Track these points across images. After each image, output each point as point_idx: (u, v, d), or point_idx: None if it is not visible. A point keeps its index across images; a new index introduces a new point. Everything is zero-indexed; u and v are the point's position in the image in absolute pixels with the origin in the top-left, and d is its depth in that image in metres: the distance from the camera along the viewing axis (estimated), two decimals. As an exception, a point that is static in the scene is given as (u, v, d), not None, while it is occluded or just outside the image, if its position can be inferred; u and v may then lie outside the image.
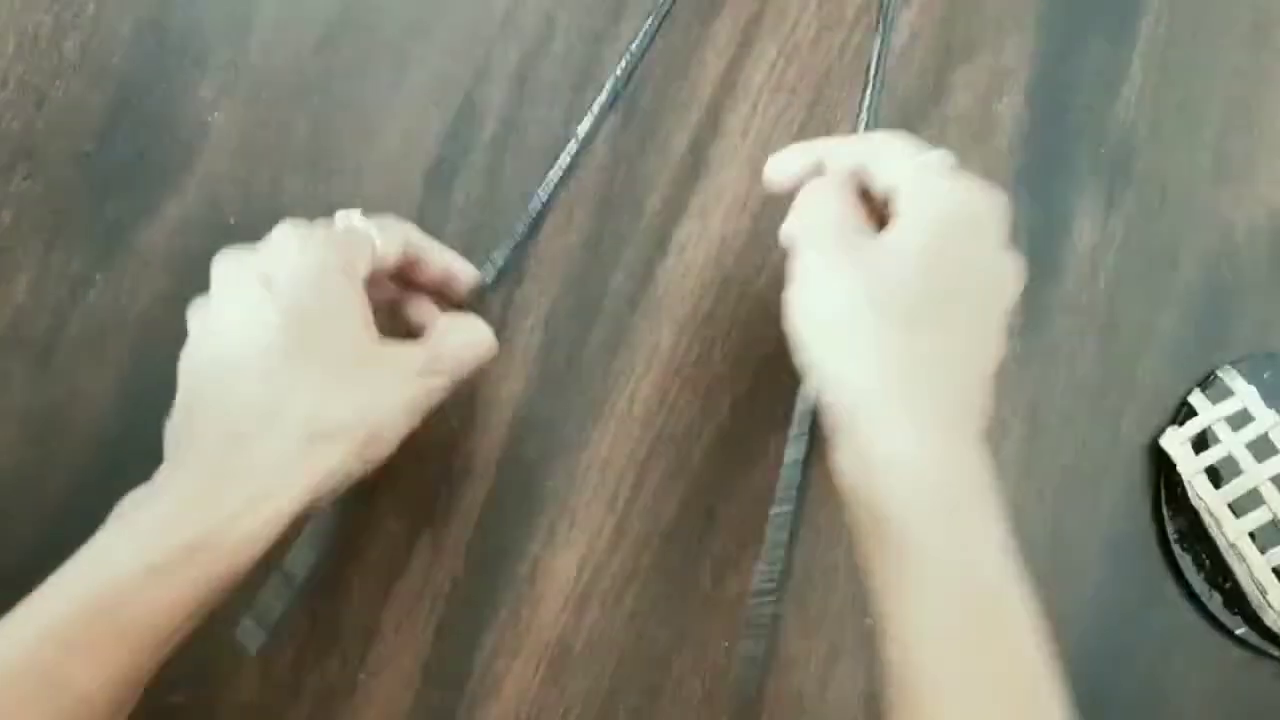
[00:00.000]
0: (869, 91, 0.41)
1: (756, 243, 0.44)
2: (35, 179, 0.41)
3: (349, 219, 0.35)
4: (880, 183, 0.33)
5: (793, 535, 0.37)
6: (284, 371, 0.31)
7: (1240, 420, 0.44)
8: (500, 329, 0.42)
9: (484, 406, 0.42)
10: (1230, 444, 0.43)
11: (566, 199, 0.43)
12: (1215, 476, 0.43)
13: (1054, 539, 0.44)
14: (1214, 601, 0.43)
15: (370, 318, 0.33)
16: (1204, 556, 0.43)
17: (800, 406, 0.37)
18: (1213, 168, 0.47)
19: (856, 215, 0.34)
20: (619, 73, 0.42)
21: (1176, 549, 0.43)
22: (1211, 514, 0.43)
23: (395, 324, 0.37)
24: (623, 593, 0.42)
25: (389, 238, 0.35)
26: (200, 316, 0.33)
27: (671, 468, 0.42)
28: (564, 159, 0.42)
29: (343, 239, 0.34)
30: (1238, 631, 0.43)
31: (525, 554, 0.42)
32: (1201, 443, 0.44)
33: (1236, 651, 0.44)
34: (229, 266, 0.33)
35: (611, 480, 0.42)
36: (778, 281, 0.44)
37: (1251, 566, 0.42)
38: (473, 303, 0.39)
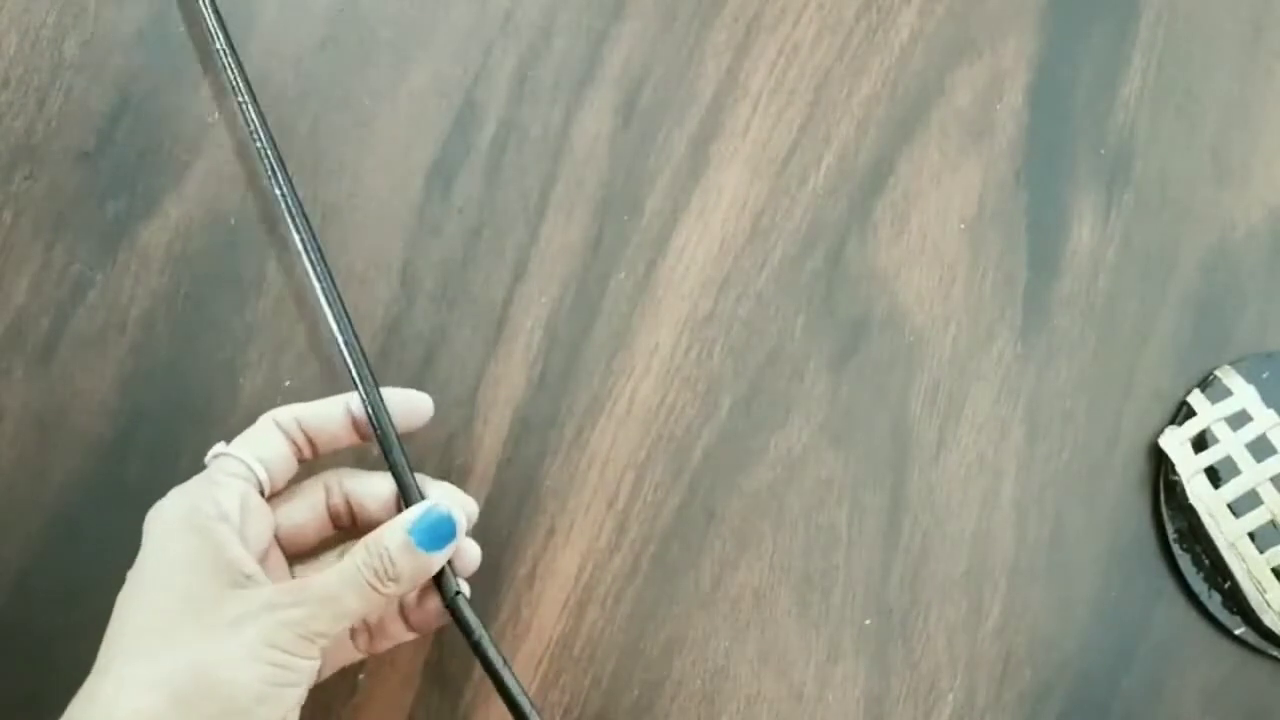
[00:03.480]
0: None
1: (756, 243, 0.44)
2: (36, 179, 0.41)
3: (214, 454, 0.34)
4: None
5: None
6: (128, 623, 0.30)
7: (1239, 420, 0.44)
8: (500, 329, 0.42)
9: (484, 406, 0.42)
10: (1229, 444, 0.43)
11: (567, 199, 0.43)
12: (1214, 476, 0.43)
13: (1054, 539, 0.44)
14: (1213, 601, 0.43)
15: (232, 559, 0.31)
16: (1204, 556, 0.43)
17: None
18: (1212, 168, 0.47)
19: None
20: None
21: (1176, 549, 0.43)
22: (1211, 514, 0.43)
23: None
24: (623, 593, 0.42)
25: (260, 442, 0.33)
26: None
27: (671, 468, 0.43)
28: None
29: (193, 486, 0.32)
30: (1237, 631, 0.43)
31: (525, 554, 0.42)
32: (1201, 443, 0.44)
33: (1236, 651, 0.44)
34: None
35: (611, 480, 0.42)
36: (778, 281, 0.44)
37: (1251, 566, 0.42)
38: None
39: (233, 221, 0.42)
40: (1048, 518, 0.44)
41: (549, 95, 0.44)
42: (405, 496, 0.34)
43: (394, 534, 0.32)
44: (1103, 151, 0.46)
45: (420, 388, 0.38)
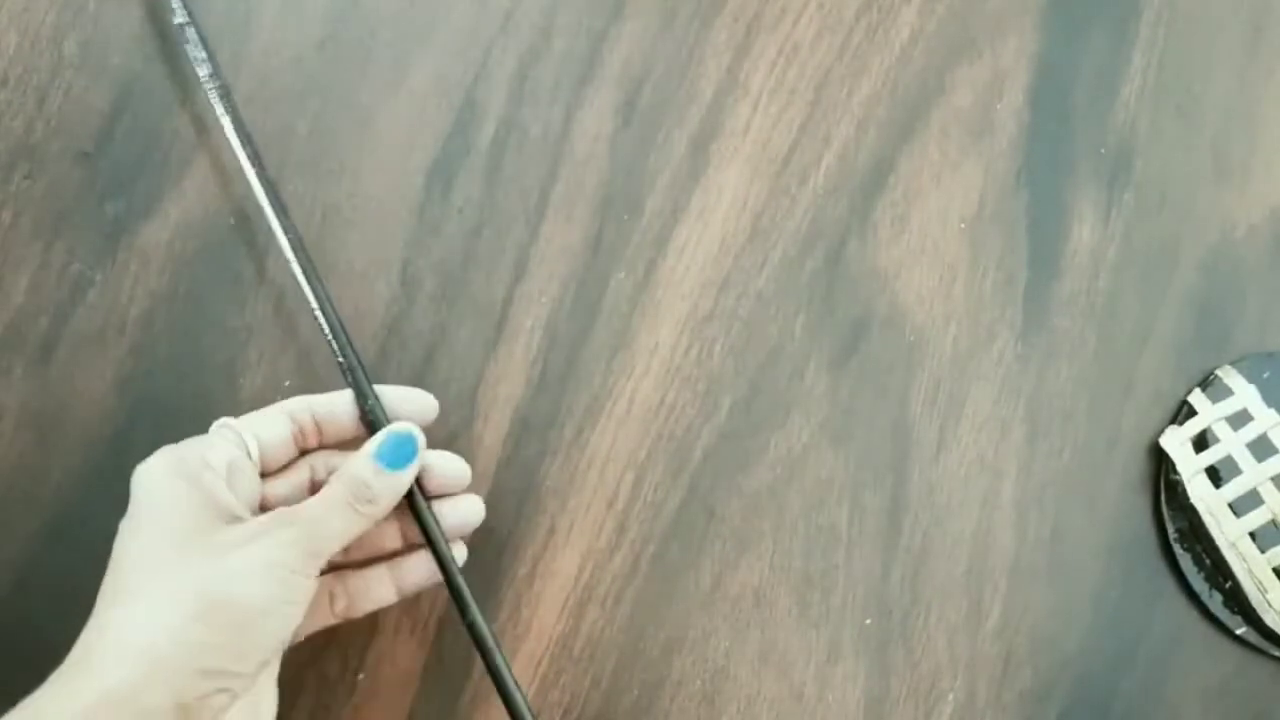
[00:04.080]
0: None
1: (756, 243, 0.44)
2: (35, 178, 0.41)
3: (216, 425, 0.35)
4: None
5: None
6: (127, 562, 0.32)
7: (1240, 420, 0.44)
8: (500, 329, 0.42)
9: (484, 406, 0.42)
10: (1230, 444, 0.43)
11: (567, 199, 0.43)
12: (1215, 476, 0.43)
13: (1054, 539, 0.44)
14: (1214, 601, 0.43)
15: (221, 502, 0.32)
16: (1204, 556, 0.43)
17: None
18: (1213, 168, 0.47)
19: None
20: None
21: (1176, 549, 0.43)
22: (1211, 514, 0.43)
23: None
24: (623, 593, 0.42)
25: (263, 420, 0.35)
26: None
27: (671, 468, 0.42)
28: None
29: (182, 443, 0.34)
30: (1238, 631, 0.43)
31: (525, 554, 0.42)
32: (1201, 442, 0.44)
33: (1236, 651, 0.44)
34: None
35: (611, 480, 0.42)
36: (778, 281, 0.44)
37: (1252, 566, 0.42)
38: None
39: (233, 221, 0.42)
40: (1048, 518, 0.44)
41: (549, 95, 0.44)
42: (371, 423, 0.36)
43: (363, 461, 0.34)
44: (1103, 151, 0.46)
45: (420, 387, 0.38)
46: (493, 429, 0.42)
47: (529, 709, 0.35)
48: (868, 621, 0.42)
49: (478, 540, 0.39)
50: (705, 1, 0.45)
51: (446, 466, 0.37)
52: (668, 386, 0.43)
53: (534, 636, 0.41)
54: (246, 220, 0.42)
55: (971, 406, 0.44)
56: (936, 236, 0.45)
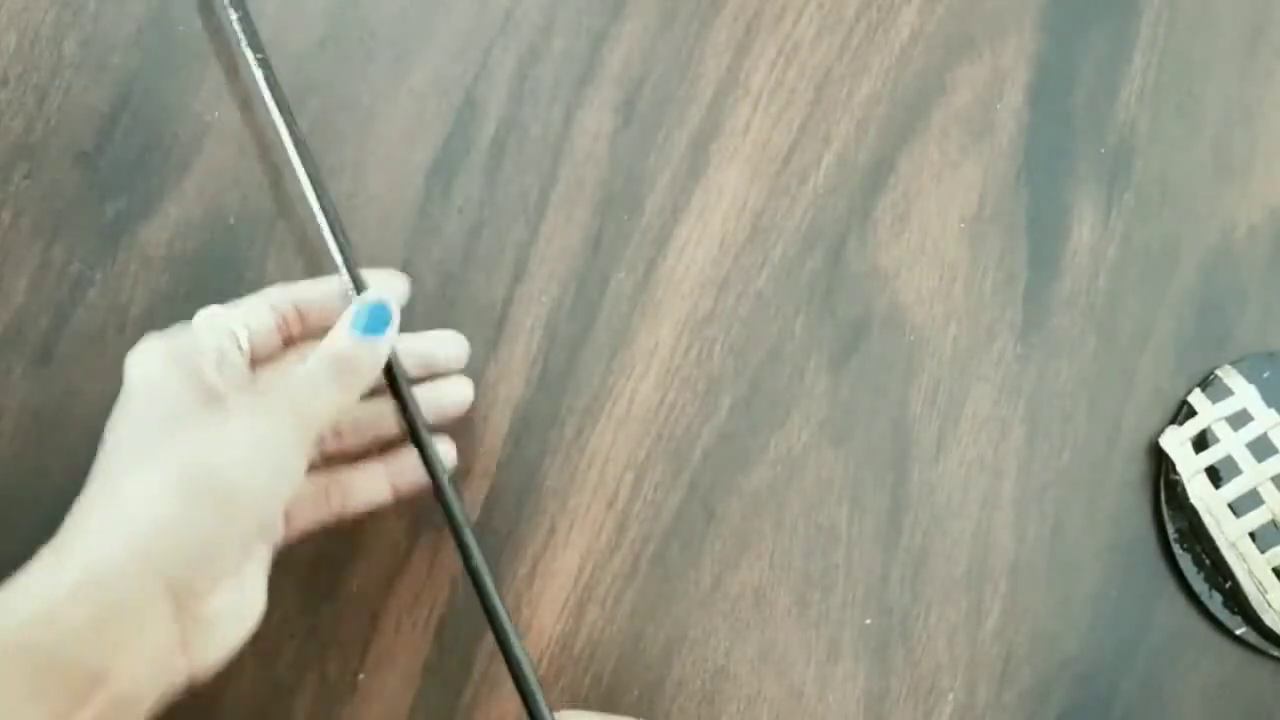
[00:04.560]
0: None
1: (756, 243, 0.44)
2: (35, 178, 0.41)
3: (202, 313, 0.36)
4: None
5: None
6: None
7: (1240, 420, 0.44)
8: (500, 329, 0.42)
9: (484, 406, 0.42)
10: (1230, 444, 0.43)
11: (567, 199, 0.43)
12: (1215, 476, 0.43)
13: (1054, 539, 0.44)
14: (1214, 601, 0.43)
15: (211, 383, 0.33)
16: (1204, 556, 0.43)
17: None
18: (1213, 167, 0.47)
19: None
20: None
21: (1176, 549, 0.43)
22: (1211, 514, 0.43)
23: None
24: (623, 593, 0.42)
25: (248, 310, 0.36)
26: None
27: (671, 467, 0.42)
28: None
29: (172, 330, 0.35)
30: (1238, 631, 0.43)
31: (525, 554, 0.42)
32: (1201, 442, 0.44)
33: (1236, 651, 0.44)
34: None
35: (611, 480, 0.42)
36: (778, 281, 0.44)
37: (1252, 566, 0.42)
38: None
39: (232, 221, 0.42)
40: (1048, 518, 0.44)
41: (549, 95, 0.44)
42: (349, 290, 0.37)
43: (340, 331, 0.35)
44: (1103, 151, 0.46)
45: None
46: (493, 429, 0.42)
47: (511, 624, 0.36)
48: (868, 621, 0.42)
49: (478, 540, 0.39)
50: (705, 1, 0.45)
51: (444, 345, 0.38)
52: (668, 386, 0.43)
53: (534, 636, 0.41)
54: (246, 220, 0.42)
55: (971, 406, 0.44)
56: (936, 236, 0.45)
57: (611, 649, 0.41)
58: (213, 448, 0.31)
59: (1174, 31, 0.47)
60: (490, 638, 0.41)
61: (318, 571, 0.40)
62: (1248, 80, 0.47)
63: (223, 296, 0.41)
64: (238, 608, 0.32)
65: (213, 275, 0.41)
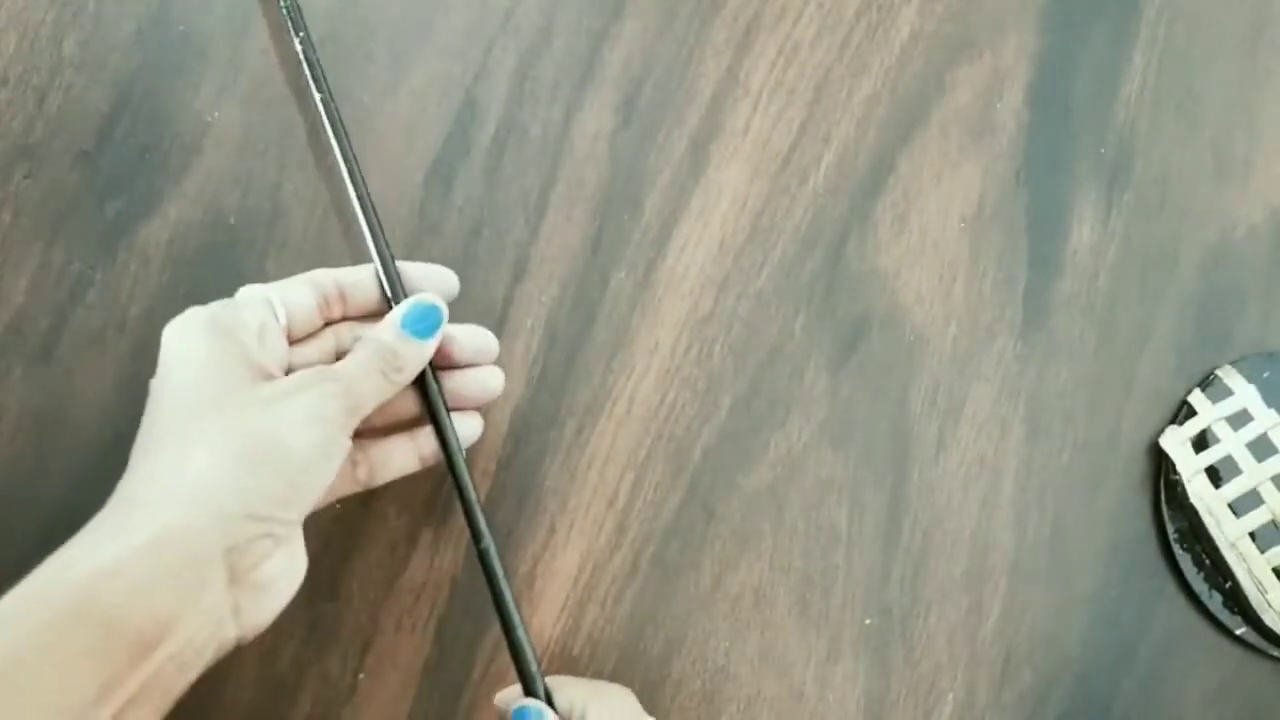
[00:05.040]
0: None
1: (756, 243, 0.44)
2: (35, 178, 0.41)
3: (246, 290, 0.36)
4: None
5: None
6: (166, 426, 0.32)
7: (1240, 420, 0.44)
8: (500, 329, 0.42)
9: (484, 406, 0.42)
10: (1230, 444, 0.43)
11: (567, 199, 0.43)
12: (1215, 476, 0.43)
13: (1054, 539, 0.44)
14: (1214, 601, 0.43)
15: (256, 360, 0.33)
16: (1204, 556, 0.43)
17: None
18: (1213, 167, 0.47)
19: None
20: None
21: (1176, 549, 0.43)
22: (1211, 514, 0.43)
23: None
24: (623, 593, 0.42)
25: (289, 287, 0.36)
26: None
27: (671, 468, 0.42)
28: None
29: (213, 304, 0.35)
30: (1238, 631, 0.43)
31: (525, 553, 0.42)
32: (1201, 442, 0.44)
33: (1236, 651, 0.44)
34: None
35: (611, 480, 0.42)
36: (778, 281, 0.44)
37: (1252, 566, 0.42)
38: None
39: (232, 221, 0.42)
40: (1048, 518, 0.44)
41: (549, 95, 0.44)
42: (393, 294, 0.37)
43: (390, 328, 0.35)
44: (1103, 151, 0.46)
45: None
46: (493, 428, 0.42)
47: (513, 601, 0.36)
48: (868, 621, 0.42)
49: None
50: (705, 1, 0.45)
51: (475, 338, 0.38)
52: (668, 386, 0.43)
53: (534, 636, 0.41)
54: (247, 220, 0.42)
55: (971, 406, 0.44)
56: (936, 236, 0.45)
57: (611, 649, 0.41)
58: (273, 419, 0.32)
59: (1174, 31, 0.47)
60: (490, 638, 0.41)
61: (318, 571, 0.40)
62: (1248, 80, 0.47)
63: (223, 296, 0.41)
64: (286, 573, 0.33)
65: (213, 275, 0.41)
